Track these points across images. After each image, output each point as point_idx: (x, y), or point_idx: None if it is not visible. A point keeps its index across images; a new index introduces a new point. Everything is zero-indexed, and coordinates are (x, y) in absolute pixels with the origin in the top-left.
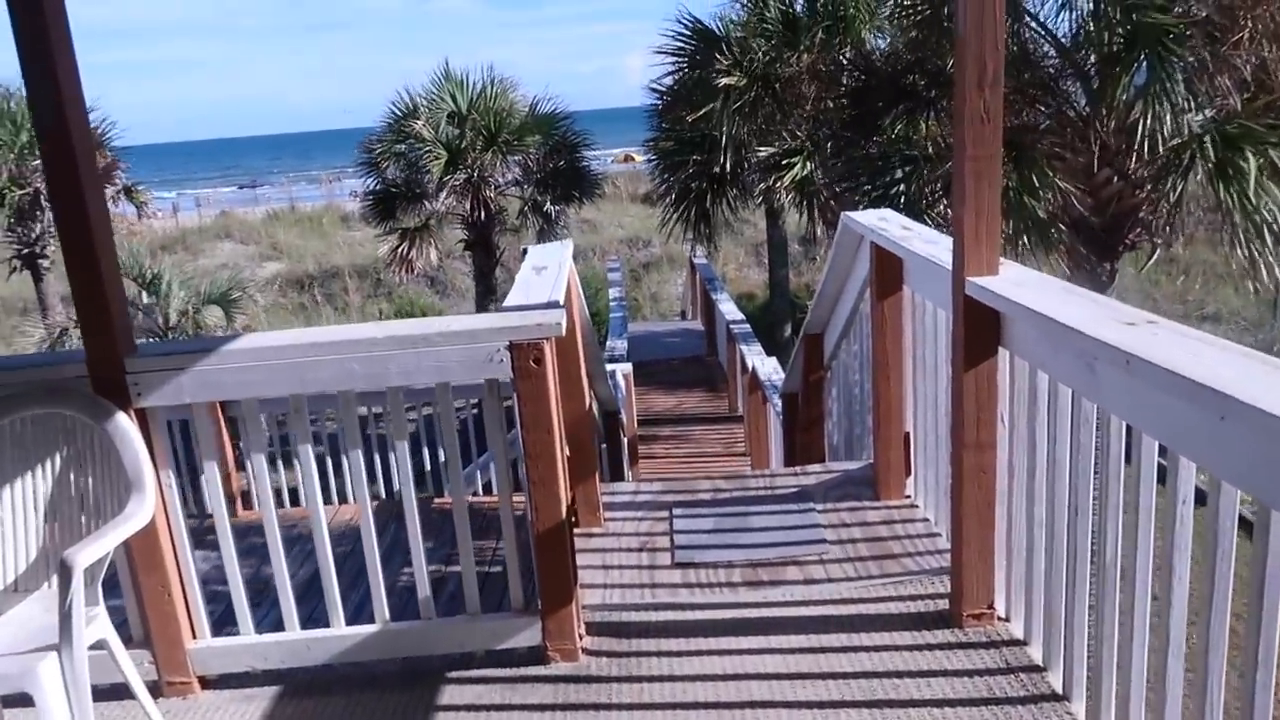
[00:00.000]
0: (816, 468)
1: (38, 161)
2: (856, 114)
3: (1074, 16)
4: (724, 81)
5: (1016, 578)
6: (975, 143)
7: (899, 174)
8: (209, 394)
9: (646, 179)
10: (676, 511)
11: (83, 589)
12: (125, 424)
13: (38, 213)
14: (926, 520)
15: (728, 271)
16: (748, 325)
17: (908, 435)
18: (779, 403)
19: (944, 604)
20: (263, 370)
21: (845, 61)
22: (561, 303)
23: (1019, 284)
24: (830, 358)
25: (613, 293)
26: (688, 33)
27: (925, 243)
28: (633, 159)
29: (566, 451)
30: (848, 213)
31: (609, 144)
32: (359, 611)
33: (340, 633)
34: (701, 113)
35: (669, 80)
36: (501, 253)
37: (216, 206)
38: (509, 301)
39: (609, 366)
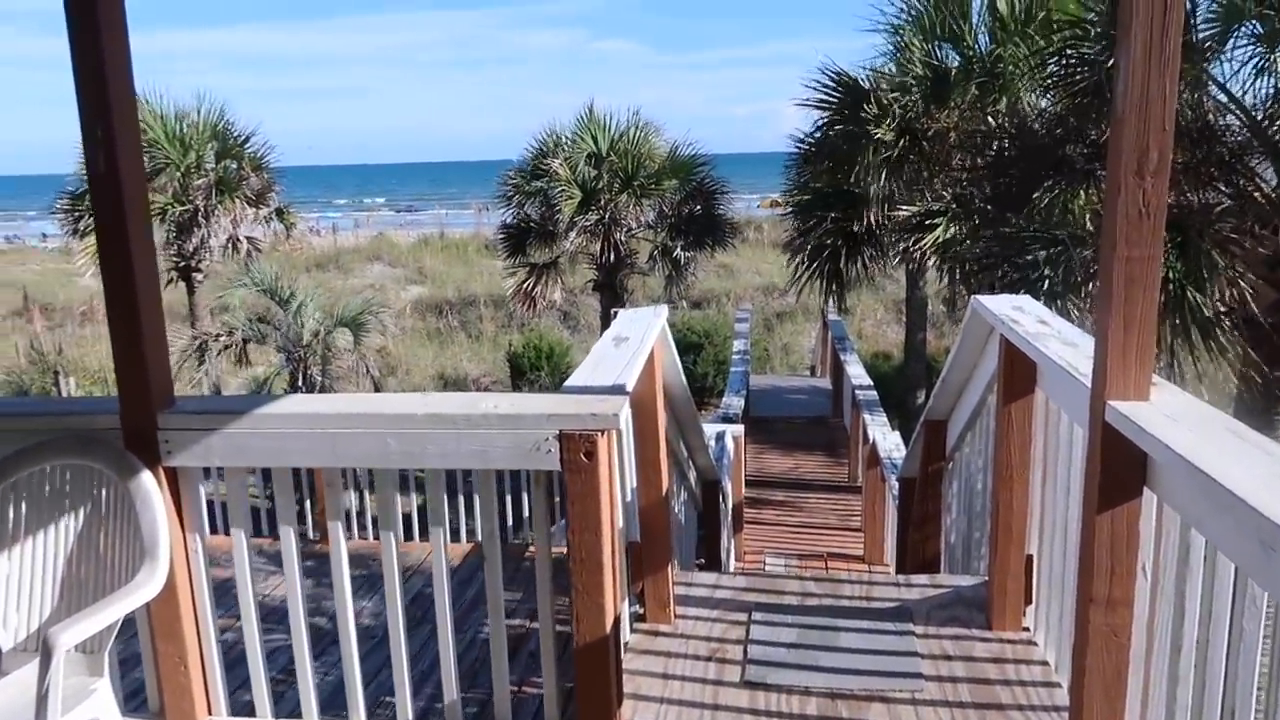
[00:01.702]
0: (923, 579)
1: (201, 180)
2: (1004, 182)
3: (1270, 83)
4: (873, 133)
5: None
6: (1130, 241)
7: (1043, 254)
8: (238, 458)
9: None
10: (756, 615)
11: (61, 670)
12: (149, 484)
13: (194, 229)
14: (1045, 665)
15: (865, 328)
16: (874, 393)
17: (1030, 558)
18: (896, 485)
19: None
20: (295, 438)
21: (996, 124)
22: (629, 387)
23: (1173, 419)
24: (953, 449)
25: (737, 345)
26: (831, 83)
27: (1063, 344)
28: (779, 204)
29: (620, 546)
30: (979, 297)
31: (759, 188)
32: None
33: None
34: (849, 167)
35: (810, 131)
36: (630, 295)
37: (375, 228)
38: (574, 377)
39: (720, 427)
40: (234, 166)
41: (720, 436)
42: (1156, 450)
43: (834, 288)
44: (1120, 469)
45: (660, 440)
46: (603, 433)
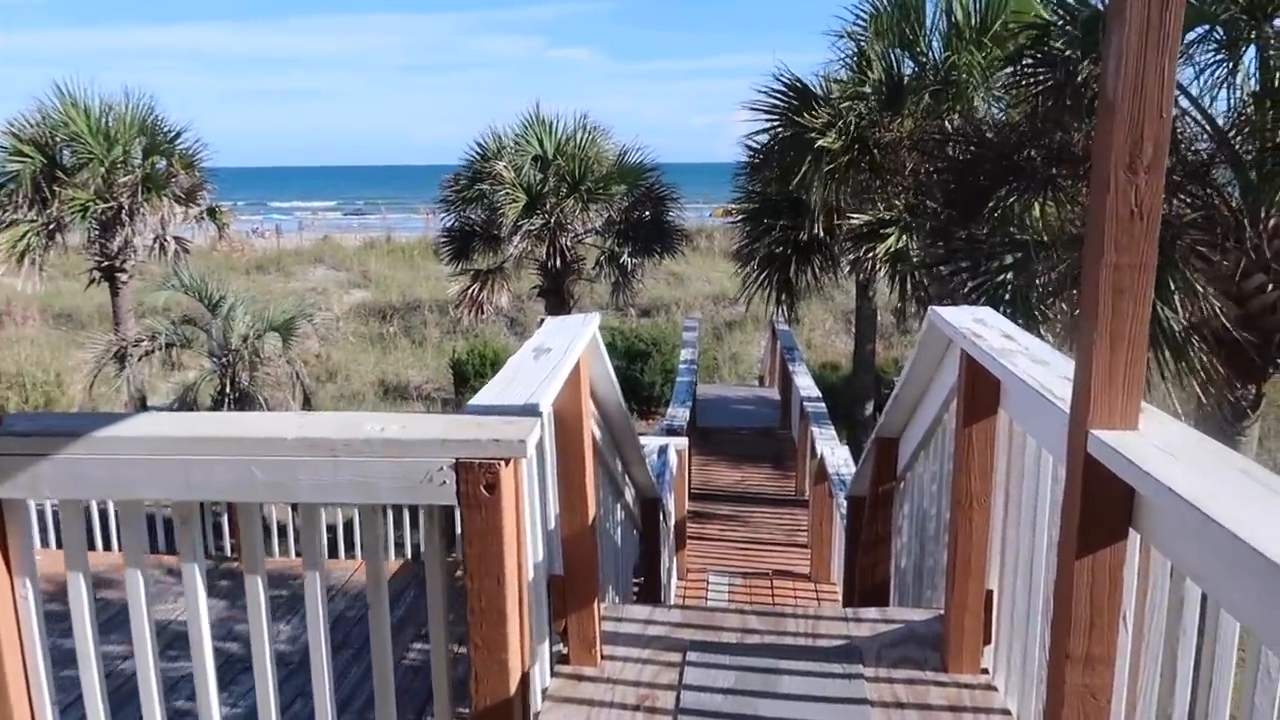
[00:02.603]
0: (873, 613)
1: (127, 177)
2: (960, 188)
3: (1234, 96)
4: (819, 142)
5: None
6: (1119, 246)
7: (1007, 260)
8: (71, 489)
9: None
10: (691, 655)
11: None
12: None
13: (118, 227)
14: (1006, 714)
15: (814, 338)
16: (823, 405)
17: (990, 594)
18: (845, 504)
19: None
20: (140, 466)
21: (951, 130)
22: (545, 406)
23: (1169, 453)
24: (905, 468)
25: (684, 354)
26: (783, 89)
27: (1033, 362)
28: (731, 212)
29: (531, 589)
30: (936, 309)
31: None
32: None
33: None
34: (795, 176)
35: (762, 138)
36: (576, 301)
37: (320, 231)
38: (482, 394)
39: (663, 440)
40: (163, 163)
41: (662, 451)
42: (1151, 490)
43: (783, 297)
44: (1104, 508)
45: (587, 461)
46: (507, 462)
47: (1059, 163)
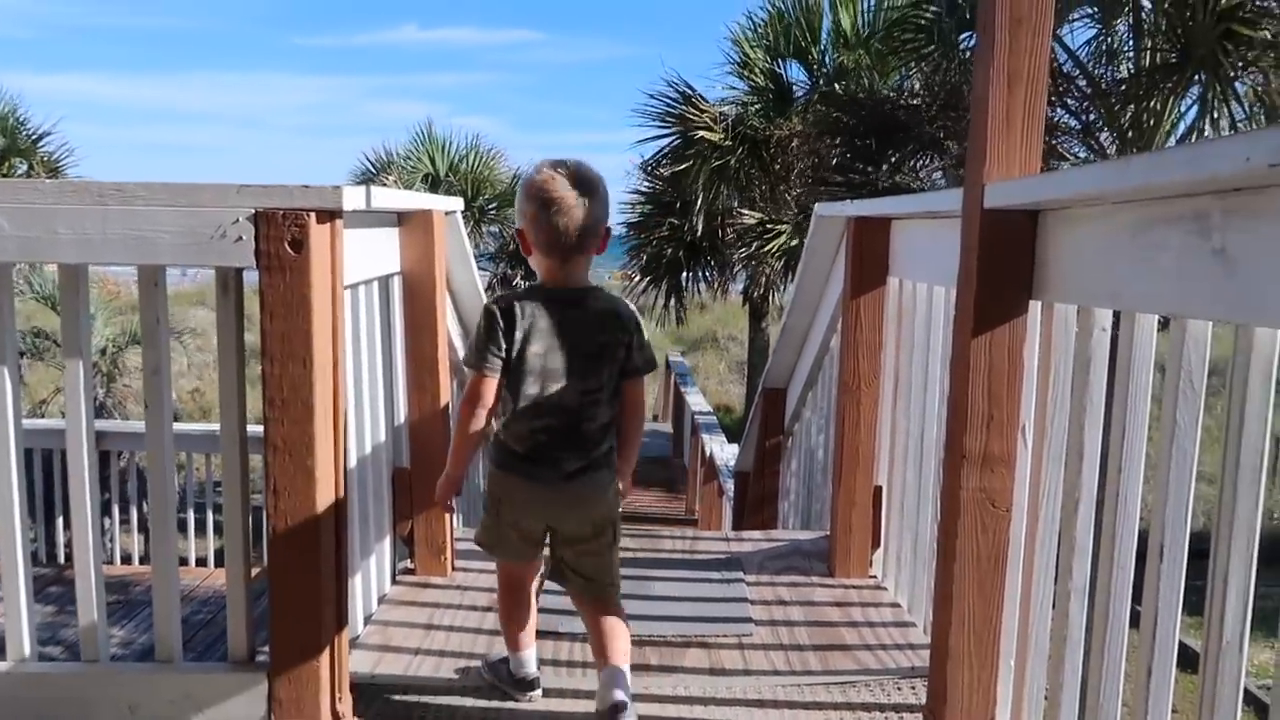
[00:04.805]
0: (756, 534)
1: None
2: (849, 161)
3: (1100, 39)
4: (702, 135)
5: (1033, 683)
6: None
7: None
8: None
9: (638, 295)
10: None
11: None
12: None
13: None
14: (896, 606)
15: (708, 385)
16: (714, 417)
17: (879, 490)
18: (731, 485)
19: (915, 718)
20: None
21: (837, 112)
22: (376, 194)
23: (1074, 170)
24: (792, 418)
25: None
26: (673, 94)
27: (921, 201)
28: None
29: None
30: (821, 204)
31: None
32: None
33: None
34: (678, 169)
35: (652, 147)
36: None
37: (206, 277)
38: None
39: None
40: (23, 167)
41: None
42: (1057, 188)
43: (673, 301)
44: (1006, 268)
45: (440, 334)
46: (321, 216)
47: (947, 133)
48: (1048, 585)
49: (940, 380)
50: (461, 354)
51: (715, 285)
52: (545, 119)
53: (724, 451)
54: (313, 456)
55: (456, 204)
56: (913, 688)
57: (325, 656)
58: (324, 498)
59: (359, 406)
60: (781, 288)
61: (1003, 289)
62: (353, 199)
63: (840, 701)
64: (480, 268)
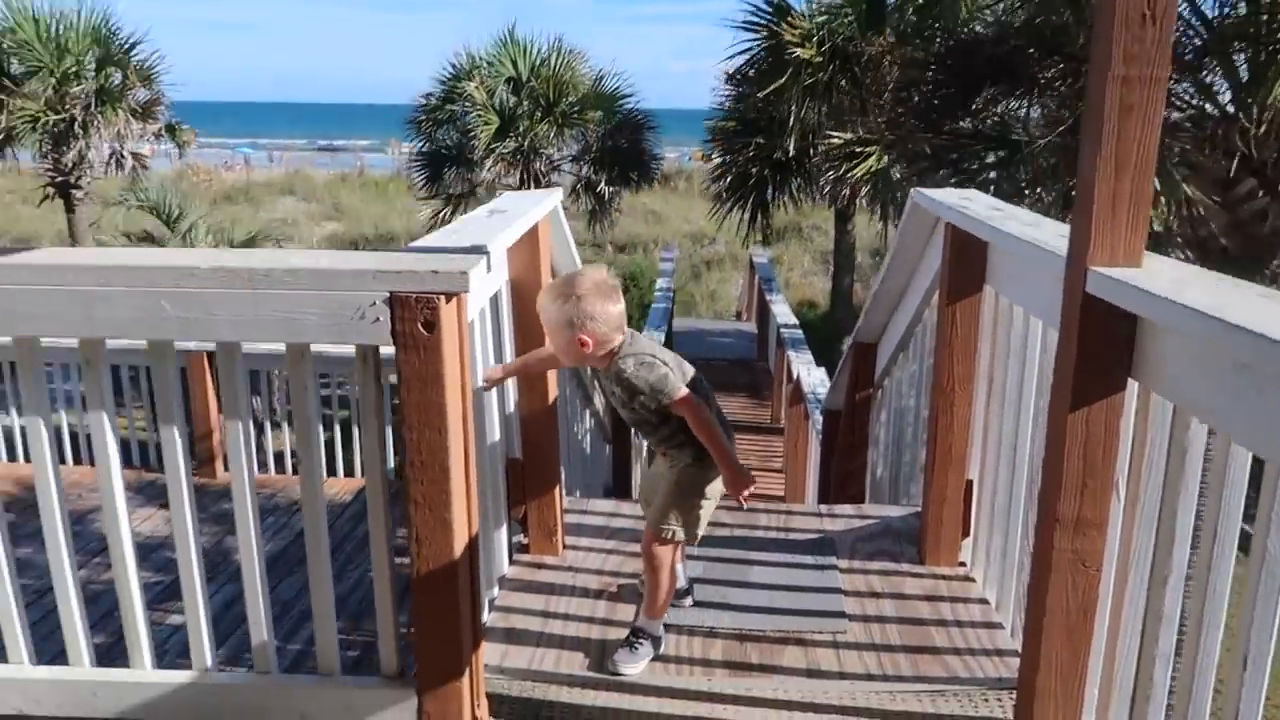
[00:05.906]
0: (848, 509)
1: (80, 87)
2: (944, 96)
3: None
4: (796, 53)
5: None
6: (1130, 56)
7: (990, 158)
8: None
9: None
10: None
11: None
12: None
13: (71, 141)
14: (985, 603)
15: (791, 277)
16: (800, 331)
17: (970, 484)
18: (820, 419)
19: None
20: (33, 298)
21: (937, 44)
22: (492, 249)
23: (1179, 281)
24: (883, 374)
25: (661, 283)
26: (766, 6)
27: (1023, 224)
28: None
29: (491, 458)
30: (919, 189)
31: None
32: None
33: (141, 678)
34: (769, 89)
35: (740, 60)
36: None
37: (292, 165)
38: (423, 240)
39: None
40: (118, 76)
41: None
42: (1161, 312)
43: (759, 219)
44: (1102, 353)
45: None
46: (449, 297)
47: (1052, 61)
48: (1134, 640)
49: (1040, 365)
50: None
51: (800, 203)
52: None
53: (810, 377)
54: (449, 510)
55: (555, 198)
56: (999, 700)
57: (466, 674)
58: (460, 543)
59: (477, 408)
60: (871, 209)
61: (1101, 371)
62: (477, 277)
63: (930, 712)
64: (565, 170)
